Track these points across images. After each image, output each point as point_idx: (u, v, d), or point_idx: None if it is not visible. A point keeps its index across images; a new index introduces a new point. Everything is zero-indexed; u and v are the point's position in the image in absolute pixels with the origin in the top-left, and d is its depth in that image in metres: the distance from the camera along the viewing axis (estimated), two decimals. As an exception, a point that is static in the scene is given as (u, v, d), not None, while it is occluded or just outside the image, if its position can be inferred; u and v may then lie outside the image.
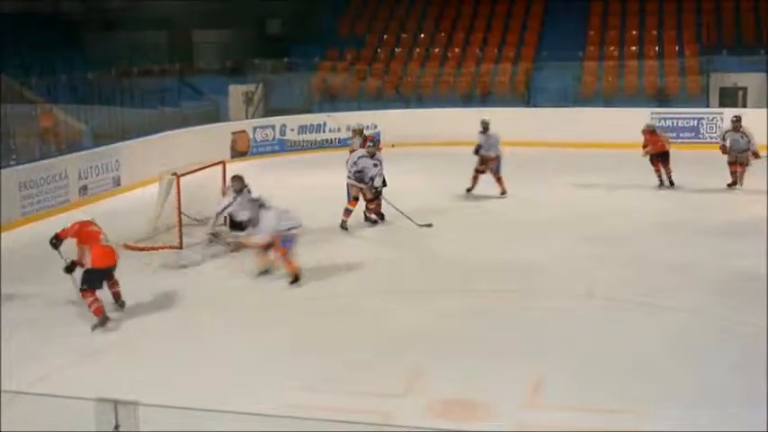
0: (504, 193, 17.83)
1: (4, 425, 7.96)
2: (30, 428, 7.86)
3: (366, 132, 18.41)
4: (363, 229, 15.48)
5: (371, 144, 15.97)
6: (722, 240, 14.14)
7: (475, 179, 18.04)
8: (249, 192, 13.78)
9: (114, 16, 30.29)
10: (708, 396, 8.39)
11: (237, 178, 13.87)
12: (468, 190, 18.01)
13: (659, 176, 18.61)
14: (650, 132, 18.67)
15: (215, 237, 14.37)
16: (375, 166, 15.31)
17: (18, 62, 23.85)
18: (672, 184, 18.53)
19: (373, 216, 15.70)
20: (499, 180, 17.88)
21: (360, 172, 15.27)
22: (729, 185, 18.33)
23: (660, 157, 18.55)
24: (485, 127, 17.97)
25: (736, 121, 18.52)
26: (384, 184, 15.45)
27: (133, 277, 12.90)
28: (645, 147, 18.59)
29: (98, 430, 5.87)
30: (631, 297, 11.43)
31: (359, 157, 15.43)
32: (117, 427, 5.83)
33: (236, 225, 14.17)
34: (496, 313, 10.99)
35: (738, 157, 18.26)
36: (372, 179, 15.28)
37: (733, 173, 18.38)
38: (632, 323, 10.57)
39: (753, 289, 11.42)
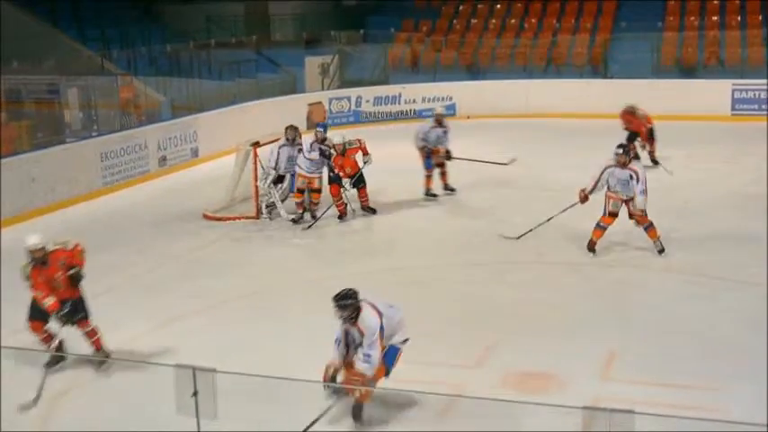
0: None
1: (92, 387, 8.20)
2: (112, 392, 8.11)
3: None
4: (444, 200, 15.53)
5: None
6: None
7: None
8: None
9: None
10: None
11: (292, 128, 14.61)
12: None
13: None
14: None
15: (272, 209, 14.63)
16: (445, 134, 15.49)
17: (99, 35, 24.23)
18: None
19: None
20: None
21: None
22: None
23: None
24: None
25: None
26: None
27: (213, 246, 13.16)
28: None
29: (177, 395, 6.03)
30: (708, 271, 11.28)
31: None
32: (195, 393, 5.97)
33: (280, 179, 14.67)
34: (571, 286, 10.95)
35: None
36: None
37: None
38: (708, 298, 10.42)
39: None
